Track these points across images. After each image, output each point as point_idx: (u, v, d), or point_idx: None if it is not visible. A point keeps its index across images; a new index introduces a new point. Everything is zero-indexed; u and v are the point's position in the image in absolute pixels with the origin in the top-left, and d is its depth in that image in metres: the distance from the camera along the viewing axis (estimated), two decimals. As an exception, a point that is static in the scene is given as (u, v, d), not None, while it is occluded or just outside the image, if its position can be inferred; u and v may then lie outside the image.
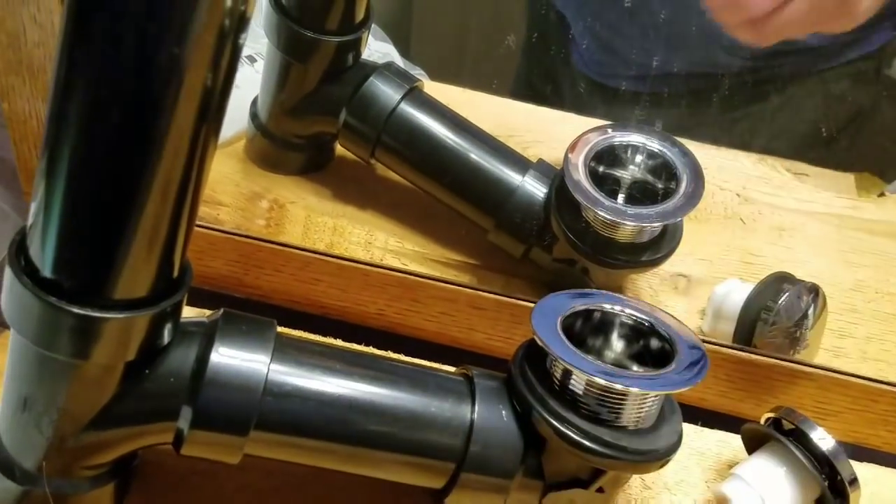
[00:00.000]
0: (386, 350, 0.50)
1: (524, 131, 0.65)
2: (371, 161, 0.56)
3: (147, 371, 0.35)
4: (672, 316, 0.41)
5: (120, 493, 0.38)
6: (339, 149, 0.58)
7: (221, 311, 0.37)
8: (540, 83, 0.78)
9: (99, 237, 0.31)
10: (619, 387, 0.37)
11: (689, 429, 0.48)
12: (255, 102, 0.58)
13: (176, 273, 0.34)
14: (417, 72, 0.73)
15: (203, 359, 0.35)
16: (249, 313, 0.38)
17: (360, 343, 0.50)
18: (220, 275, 0.50)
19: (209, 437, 0.35)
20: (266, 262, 0.50)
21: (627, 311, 0.41)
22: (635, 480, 0.45)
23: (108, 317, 0.32)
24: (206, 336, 0.36)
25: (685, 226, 0.60)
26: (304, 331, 0.50)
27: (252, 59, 0.63)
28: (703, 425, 0.48)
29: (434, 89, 0.57)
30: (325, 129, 0.55)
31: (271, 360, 0.36)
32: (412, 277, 0.50)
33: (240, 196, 0.57)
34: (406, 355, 0.50)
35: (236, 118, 0.59)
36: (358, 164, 0.58)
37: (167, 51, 0.27)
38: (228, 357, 0.35)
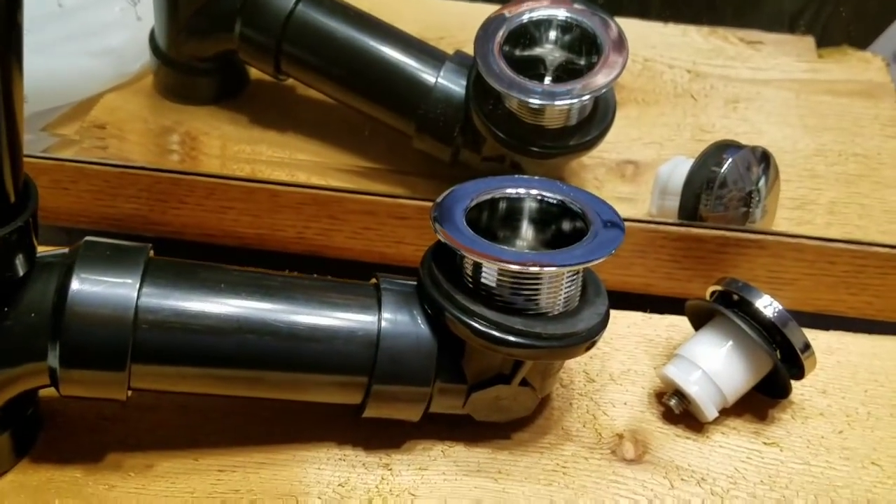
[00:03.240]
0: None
1: (457, 30, 0.61)
2: (280, 76, 0.52)
3: (6, 309, 0.32)
4: (588, 192, 0.38)
5: (20, 444, 0.36)
6: (257, 72, 0.54)
7: (84, 239, 0.34)
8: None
9: None
10: (526, 269, 0.33)
11: (636, 317, 0.45)
12: (153, 32, 0.54)
13: (12, 198, 0.31)
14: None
15: (63, 289, 0.32)
16: (125, 241, 0.35)
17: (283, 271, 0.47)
18: (126, 214, 0.47)
19: (84, 376, 0.33)
20: (168, 193, 0.46)
21: (535, 192, 0.37)
22: (578, 374, 0.42)
23: None
24: (66, 265, 0.33)
25: (631, 111, 0.56)
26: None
27: (152, -12, 0.59)
28: (651, 312, 0.45)
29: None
30: (225, 47, 0.52)
31: (142, 283, 0.33)
32: (326, 192, 0.47)
33: (148, 133, 0.54)
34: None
35: (141, 52, 0.56)
36: (276, 86, 0.55)
37: None
38: (90, 283, 0.32)
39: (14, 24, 0.29)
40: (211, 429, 0.39)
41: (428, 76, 0.49)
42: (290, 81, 0.53)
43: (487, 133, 0.47)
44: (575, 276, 0.35)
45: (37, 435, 0.37)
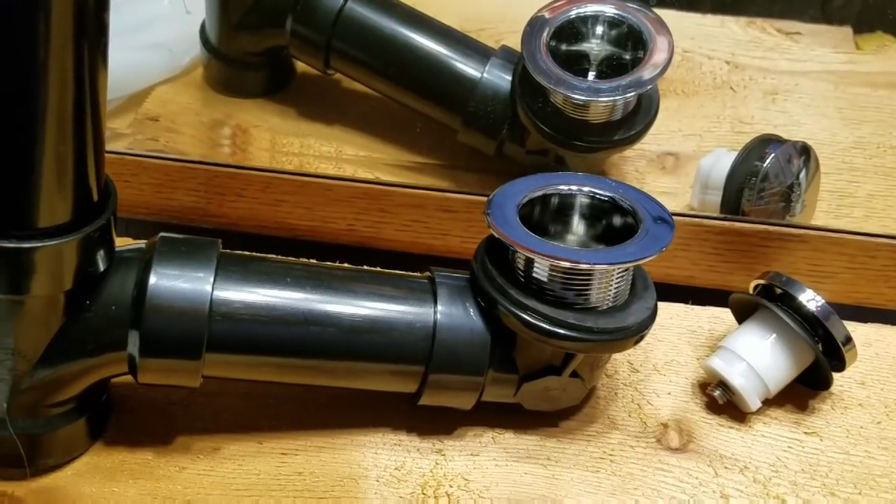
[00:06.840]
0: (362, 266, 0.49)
1: (497, 22, 0.62)
2: (328, 71, 0.53)
3: (88, 302, 0.34)
4: (637, 189, 0.39)
5: (95, 428, 0.38)
6: (303, 65, 0.55)
7: (159, 235, 0.36)
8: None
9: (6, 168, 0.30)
10: (578, 265, 0.35)
11: (678, 308, 0.46)
12: (203, 26, 0.56)
13: (96, 197, 0.33)
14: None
15: (142, 283, 0.34)
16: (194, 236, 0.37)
17: (334, 262, 0.49)
18: (185, 207, 0.49)
19: (162, 364, 0.35)
20: (226, 187, 0.48)
21: (586, 189, 0.38)
22: (622, 365, 0.43)
23: (37, 246, 0.31)
24: (144, 261, 0.35)
25: (671, 103, 0.57)
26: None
27: (201, -17, 0.60)
28: (694, 303, 0.46)
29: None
30: (276, 42, 0.53)
31: (215, 278, 0.35)
32: (376, 187, 0.48)
33: (201, 125, 0.55)
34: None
35: (190, 46, 0.57)
36: (322, 80, 0.56)
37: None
38: (168, 278, 0.34)
39: (101, 30, 0.30)
40: (272, 414, 0.41)
41: (474, 71, 0.50)
42: (336, 75, 0.54)
43: (533, 128, 0.48)
44: (625, 273, 0.37)
45: (109, 419, 0.39)
